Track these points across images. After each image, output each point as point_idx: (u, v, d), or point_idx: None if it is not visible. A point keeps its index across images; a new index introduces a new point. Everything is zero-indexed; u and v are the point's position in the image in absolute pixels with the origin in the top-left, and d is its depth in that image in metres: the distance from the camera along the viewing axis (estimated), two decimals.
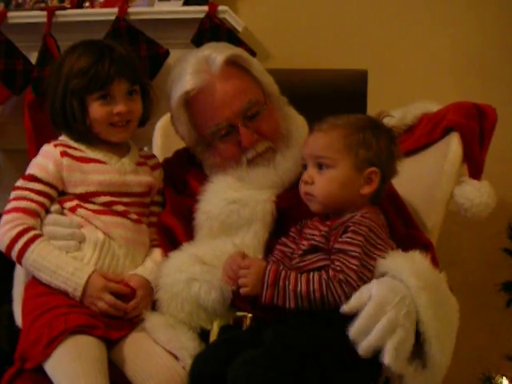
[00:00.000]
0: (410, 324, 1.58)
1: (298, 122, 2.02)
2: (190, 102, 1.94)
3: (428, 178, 2.12)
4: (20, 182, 1.89)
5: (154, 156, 2.08)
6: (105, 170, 1.90)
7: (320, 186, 1.73)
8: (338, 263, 1.64)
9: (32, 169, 1.90)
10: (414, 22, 2.87)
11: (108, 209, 1.89)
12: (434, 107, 2.24)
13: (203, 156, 2.00)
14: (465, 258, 2.71)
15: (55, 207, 1.88)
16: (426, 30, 2.86)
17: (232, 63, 1.93)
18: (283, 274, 1.66)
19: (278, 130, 1.96)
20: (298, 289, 1.63)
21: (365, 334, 1.57)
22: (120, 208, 1.89)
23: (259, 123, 1.93)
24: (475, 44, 2.81)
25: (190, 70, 1.92)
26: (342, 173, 1.73)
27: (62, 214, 1.88)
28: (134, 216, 1.92)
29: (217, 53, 1.93)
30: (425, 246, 1.88)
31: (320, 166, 1.74)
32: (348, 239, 1.66)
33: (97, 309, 1.79)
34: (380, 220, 1.74)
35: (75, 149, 1.90)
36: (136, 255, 1.91)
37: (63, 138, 1.93)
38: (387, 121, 1.83)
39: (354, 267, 1.63)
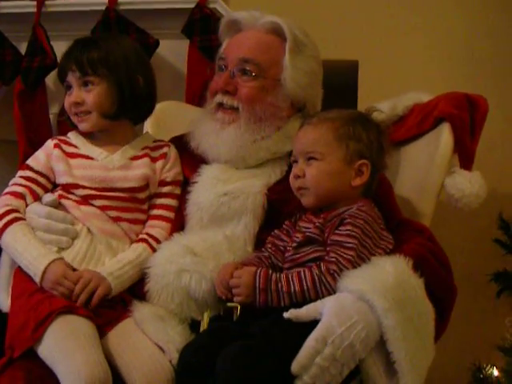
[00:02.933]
0: (348, 359, 1.53)
1: (286, 132, 1.95)
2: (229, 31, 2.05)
3: (419, 169, 2.11)
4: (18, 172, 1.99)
5: (163, 146, 2.04)
6: (89, 166, 1.94)
7: (310, 176, 1.75)
8: (333, 255, 1.65)
9: (28, 159, 1.99)
10: (404, 12, 2.86)
11: (87, 202, 1.91)
12: (425, 98, 2.23)
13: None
14: (455, 249, 2.70)
15: (51, 198, 1.92)
16: (418, 20, 2.85)
17: (278, 33, 1.96)
18: (273, 277, 1.66)
19: (253, 104, 1.93)
20: (292, 289, 1.64)
21: (304, 369, 1.53)
22: (98, 203, 1.91)
23: (244, 84, 1.94)
24: (466, 34, 2.80)
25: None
26: (330, 164, 1.74)
27: (58, 205, 1.91)
28: (114, 213, 1.92)
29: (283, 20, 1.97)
30: (418, 231, 1.87)
31: (310, 160, 1.76)
32: (344, 231, 1.67)
33: (57, 294, 1.78)
34: (375, 213, 1.75)
35: (70, 145, 1.98)
36: (114, 247, 1.91)
37: (69, 134, 2.01)
38: (376, 115, 1.85)
39: (350, 257, 1.64)
